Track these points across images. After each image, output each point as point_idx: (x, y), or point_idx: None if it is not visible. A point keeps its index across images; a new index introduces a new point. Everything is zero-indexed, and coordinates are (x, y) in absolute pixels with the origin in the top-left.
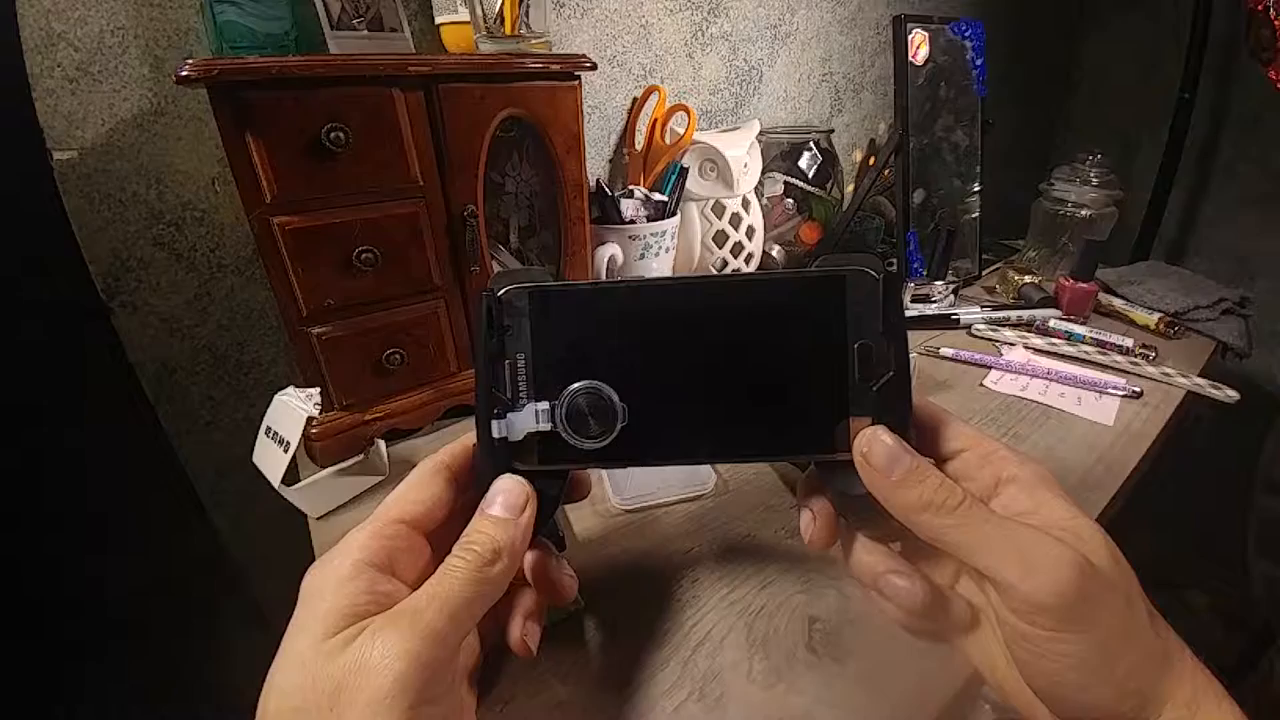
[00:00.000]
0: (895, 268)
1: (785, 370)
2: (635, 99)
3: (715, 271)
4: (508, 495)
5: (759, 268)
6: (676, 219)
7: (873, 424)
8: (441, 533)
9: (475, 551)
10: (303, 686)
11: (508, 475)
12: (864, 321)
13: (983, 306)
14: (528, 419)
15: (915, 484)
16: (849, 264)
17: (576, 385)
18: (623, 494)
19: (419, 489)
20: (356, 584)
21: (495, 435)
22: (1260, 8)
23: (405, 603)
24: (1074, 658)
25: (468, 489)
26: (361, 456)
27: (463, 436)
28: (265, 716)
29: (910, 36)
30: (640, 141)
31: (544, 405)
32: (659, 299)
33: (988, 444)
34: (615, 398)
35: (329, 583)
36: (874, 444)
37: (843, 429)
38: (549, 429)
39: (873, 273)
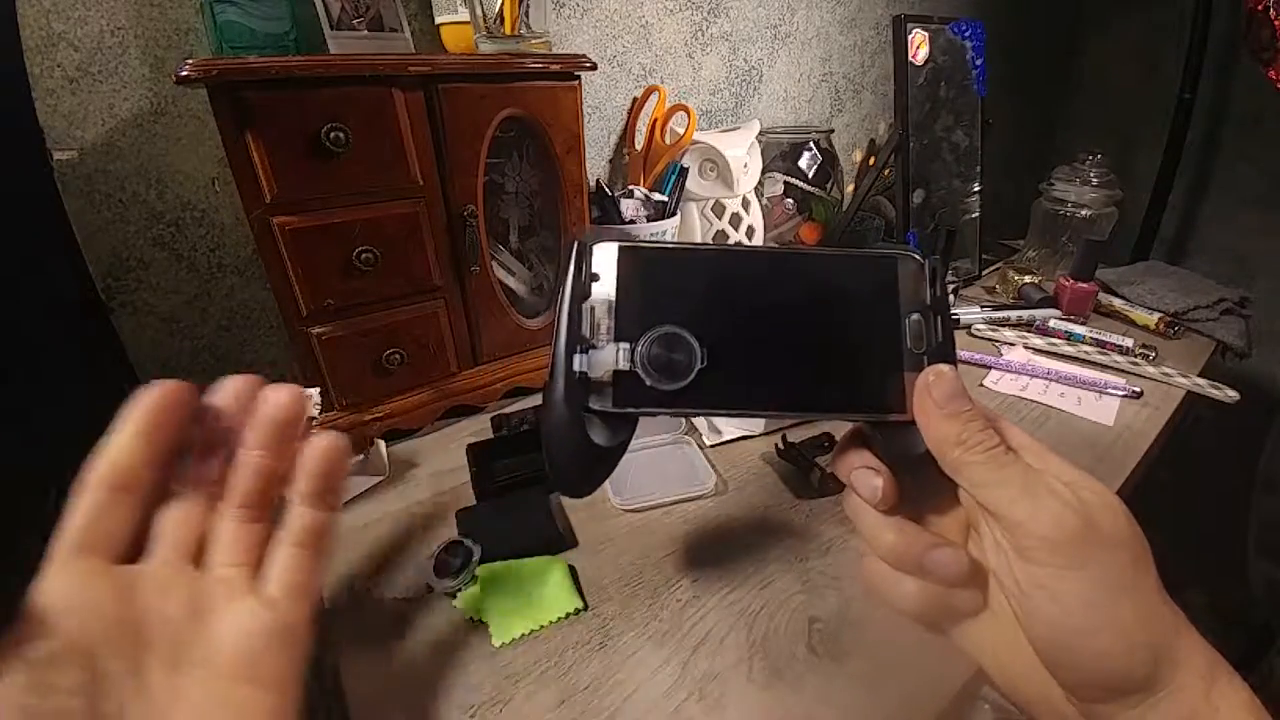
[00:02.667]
0: (935, 260)
1: (847, 335)
2: (635, 99)
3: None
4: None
5: None
6: (676, 219)
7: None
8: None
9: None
10: None
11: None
12: (914, 297)
13: (983, 306)
14: (609, 357)
15: (963, 421)
16: (897, 250)
17: (658, 329)
18: (623, 494)
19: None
20: None
21: (576, 368)
22: (1260, 8)
23: None
24: (1075, 598)
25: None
26: (361, 456)
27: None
28: None
29: (910, 36)
30: (640, 141)
31: (625, 345)
32: (738, 262)
33: (999, 420)
34: (695, 342)
35: None
36: (942, 377)
37: (900, 392)
38: (628, 369)
39: (918, 257)
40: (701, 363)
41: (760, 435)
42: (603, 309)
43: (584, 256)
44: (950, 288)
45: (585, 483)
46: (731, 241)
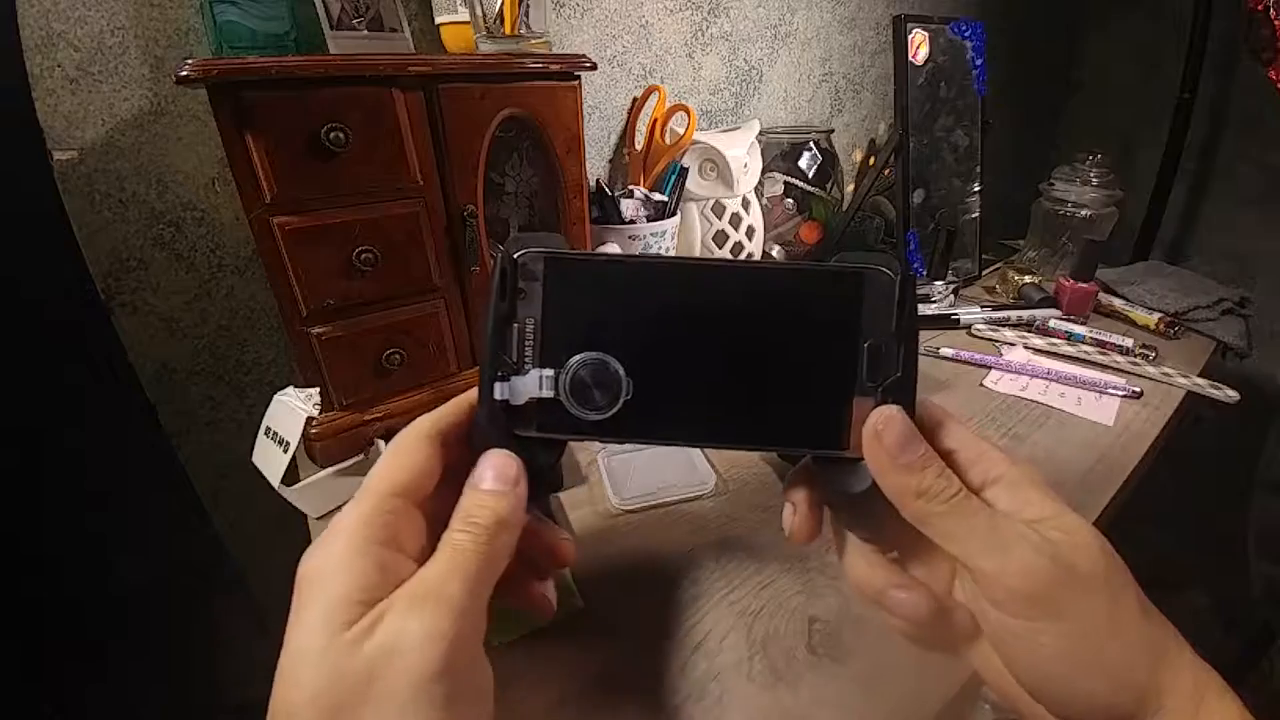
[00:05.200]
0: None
1: (795, 362)
2: (635, 99)
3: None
4: (498, 468)
5: None
6: (676, 219)
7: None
8: (434, 502)
9: (479, 524)
10: (330, 684)
11: (495, 450)
12: (877, 321)
13: (983, 306)
14: (531, 384)
15: (918, 470)
16: (867, 262)
17: (583, 355)
18: (623, 494)
19: (408, 456)
20: (364, 563)
21: (497, 397)
22: (1260, 8)
23: (421, 583)
24: (1053, 649)
25: (459, 454)
26: (361, 456)
27: (454, 399)
28: (291, 717)
29: (910, 36)
30: (640, 141)
31: (549, 372)
32: (676, 278)
33: (980, 445)
34: (621, 371)
35: (330, 566)
36: (891, 424)
37: (848, 426)
38: (551, 396)
39: (890, 272)
40: (627, 394)
41: None
42: (528, 329)
43: (509, 272)
44: (950, 288)
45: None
46: (731, 242)
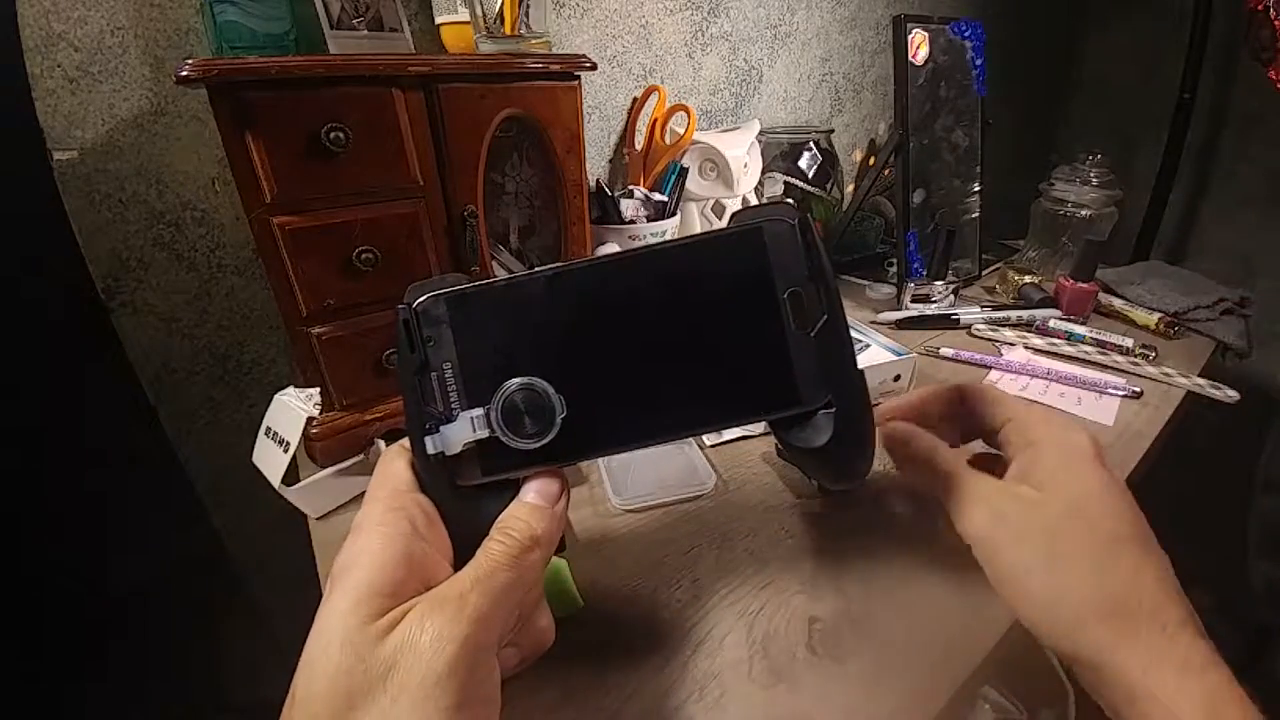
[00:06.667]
0: (805, 219)
1: (722, 333)
2: (635, 99)
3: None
4: (541, 485)
5: None
6: (676, 219)
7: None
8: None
9: (513, 538)
10: (351, 667)
11: (545, 468)
12: (789, 269)
13: (983, 306)
14: (463, 429)
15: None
16: (763, 215)
17: (508, 384)
18: (623, 494)
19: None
20: (389, 557)
21: (430, 451)
22: (1260, 7)
23: (449, 586)
24: (1020, 567)
25: None
26: (361, 456)
27: None
28: (310, 697)
29: (910, 36)
30: (640, 141)
31: (477, 412)
32: (580, 282)
33: (1028, 412)
34: (550, 390)
35: (358, 560)
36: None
37: (792, 381)
38: (486, 435)
39: (788, 220)
40: (563, 411)
41: (760, 435)
42: (448, 374)
43: (411, 324)
44: (950, 288)
45: None
46: None
